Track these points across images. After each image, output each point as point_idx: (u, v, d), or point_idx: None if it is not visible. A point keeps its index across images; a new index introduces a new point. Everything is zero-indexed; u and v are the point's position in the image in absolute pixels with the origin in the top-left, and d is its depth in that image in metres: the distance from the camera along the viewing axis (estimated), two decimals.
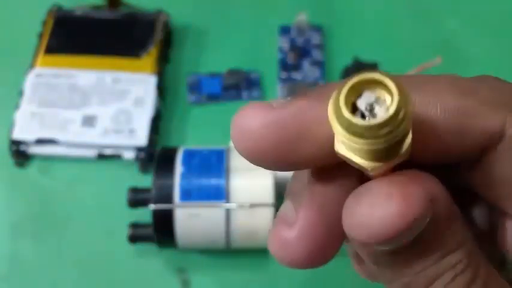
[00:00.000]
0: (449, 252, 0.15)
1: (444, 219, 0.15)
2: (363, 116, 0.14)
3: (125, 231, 0.36)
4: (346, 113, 0.13)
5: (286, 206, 0.17)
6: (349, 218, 0.14)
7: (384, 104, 0.14)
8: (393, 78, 0.13)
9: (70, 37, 0.45)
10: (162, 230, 0.34)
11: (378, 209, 0.14)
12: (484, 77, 0.17)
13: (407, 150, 0.14)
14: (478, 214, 0.19)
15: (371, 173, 0.14)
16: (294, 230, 0.16)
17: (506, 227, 0.17)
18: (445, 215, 0.15)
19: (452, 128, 0.15)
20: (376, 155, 0.14)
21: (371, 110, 0.14)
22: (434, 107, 0.15)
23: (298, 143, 0.15)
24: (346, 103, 0.13)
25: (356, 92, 0.14)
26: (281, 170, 0.16)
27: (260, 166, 0.16)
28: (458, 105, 0.15)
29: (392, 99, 0.13)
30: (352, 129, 0.13)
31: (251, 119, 0.15)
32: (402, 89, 0.13)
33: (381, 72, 0.13)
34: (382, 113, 0.13)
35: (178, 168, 0.34)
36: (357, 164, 0.14)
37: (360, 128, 0.13)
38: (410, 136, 0.14)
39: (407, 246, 0.15)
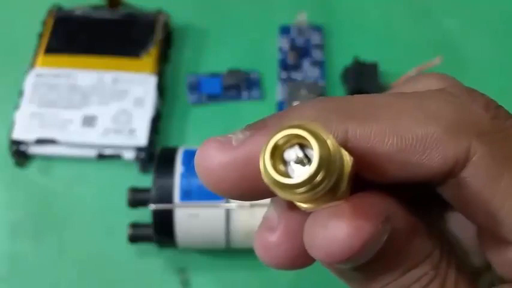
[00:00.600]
0: (414, 266, 0.15)
1: (404, 235, 0.15)
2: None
3: (124, 231, 0.36)
4: (272, 172, 0.13)
5: (270, 211, 0.17)
6: (308, 238, 0.15)
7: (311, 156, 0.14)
8: (317, 135, 0.13)
9: (70, 37, 0.45)
10: (162, 230, 0.34)
11: (331, 231, 0.14)
12: (458, 89, 0.16)
13: (343, 193, 0.14)
14: (455, 219, 0.19)
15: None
16: (275, 235, 0.16)
17: (483, 236, 0.17)
18: (405, 231, 0.15)
19: (411, 158, 0.15)
20: (310, 201, 0.14)
21: (301, 161, 0.14)
22: (392, 137, 0.15)
23: (256, 180, 0.15)
24: (273, 158, 0.14)
25: (286, 140, 0.14)
26: (247, 200, 0.16)
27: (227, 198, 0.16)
28: (418, 134, 0.15)
29: (313, 160, 0.13)
30: (279, 185, 0.13)
31: (210, 158, 0.15)
32: (324, 146, 0.13)
33: (305, 125, 0.13)
34: (303, 171, 0.13)
35: (178, 168, 0.34)
36: (296, 204, 0.15)
37: (285, 185, 0.13)
38: (345, 180, 0.14)
39: (370, 262, 0.15)
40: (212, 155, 0.15)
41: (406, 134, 0.15)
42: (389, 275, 0.15)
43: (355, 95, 0.16)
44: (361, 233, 0.14)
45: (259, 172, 0.14)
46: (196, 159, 0.15)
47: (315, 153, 0.13)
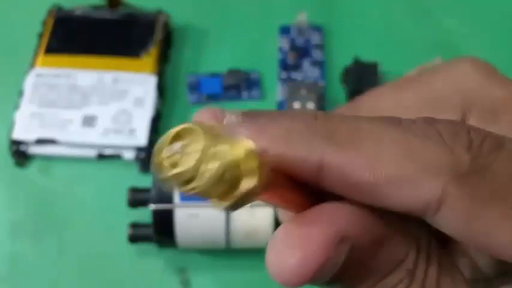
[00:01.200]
0: (386, 275, 0.15)
1: (368, 247, 0.15)
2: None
3: (125, 231, 0.36)
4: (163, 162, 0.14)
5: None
6: (267, 263, 0.15)
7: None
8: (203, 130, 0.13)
9: (70, 37, 0.45)
10: (162, 230, 0.35)
11: (282, 260, 0.14)
12: (444, 126, 0.16)
13: (243, 194, 0.14)
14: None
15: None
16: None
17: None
18: (368, 243, 0.15)
19: (382, 195, 0.15)
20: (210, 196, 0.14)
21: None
22: (366, 171, 0.15)
23: None
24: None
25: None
26: None
27: None
28: (392, 173, 0.15)
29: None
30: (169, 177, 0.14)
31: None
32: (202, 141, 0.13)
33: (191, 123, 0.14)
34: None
35: None
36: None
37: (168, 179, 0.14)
38: (248, 182, 0.14)
39: (338, 277, 0.15)
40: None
41: (380, 171, 0.15)
42: (362, 285, 0.15)
43: (346, 116, 0.16)
44: (311, 262, 0.14)
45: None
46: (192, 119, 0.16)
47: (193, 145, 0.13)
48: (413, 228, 0.16)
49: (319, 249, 0.14)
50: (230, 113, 0.16)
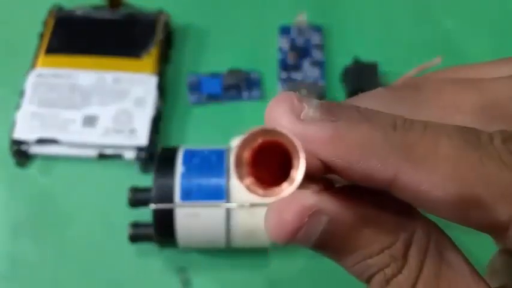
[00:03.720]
0: (369, 256, 0.17)
1: (348, 226, 0.17)
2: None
3: (125, 231, 0.36)
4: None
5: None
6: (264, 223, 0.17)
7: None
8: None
9: (71, 37, 0.46)
10: (162, 230, 0.35)
11: (266, 222, 0.17)
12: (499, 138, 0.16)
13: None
14: None
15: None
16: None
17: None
18: (347, 222, 0.16)
19: (456, 213, 0.16)
20: None
21: None
22: (439, 192, 0.15)
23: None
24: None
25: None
26: None
27: None
28: (469, 197, 0.15)
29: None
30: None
31: (279, 118, 0.16)
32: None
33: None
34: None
35: (179, 168, 0.34)
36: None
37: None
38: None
39: (321, 245, 0.17)
40: (280, 115, 0.16)
41: (455, 194, 0.15)
42: (348, 259, 0.17)
43: (426, 126, 0.16)
44: (287, 226, 0.16)
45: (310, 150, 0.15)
46: (267, 118, 0.16)
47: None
48: (406, 222, 0.17)
49: (294, 216, 0.16)
50: (308, 103, 0.16)
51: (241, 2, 0.50)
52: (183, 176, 0.34)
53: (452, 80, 0.19)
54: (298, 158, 0.14)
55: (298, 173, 0.14)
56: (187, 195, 0.34)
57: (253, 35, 0.48)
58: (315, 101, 0.16)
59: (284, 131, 0.14)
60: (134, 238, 0.36)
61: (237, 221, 0.34)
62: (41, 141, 0.41)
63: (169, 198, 0.34)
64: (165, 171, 0.34)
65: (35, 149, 0.42)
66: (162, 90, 0.44)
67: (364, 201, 0.17)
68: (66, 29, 0.46)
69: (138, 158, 0.41)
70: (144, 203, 0.36)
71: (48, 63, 0.44)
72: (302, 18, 0.47)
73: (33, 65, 0.44)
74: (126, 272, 0.38)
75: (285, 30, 0.48)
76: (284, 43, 0.47)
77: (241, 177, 0.14)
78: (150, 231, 0.35)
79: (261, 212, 0.34)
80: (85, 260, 0.39)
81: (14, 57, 0.47)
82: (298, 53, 0.46)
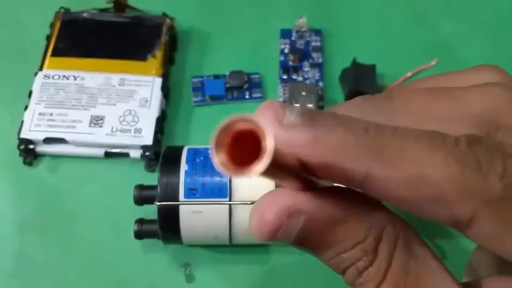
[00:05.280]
0: (343, 251, 0.18)
1: (324, 224, 0.18)
2: None
3: (131, 228, 0.36)
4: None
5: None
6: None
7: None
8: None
9: (77, 40, 0.46)
10: (167, 226, 0.35)
11: (251, 219, 0.18)
12: (480, 149, 0.17)
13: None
14: None
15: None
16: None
17: None
18: (323, 220, 0.18)
19: (418, 207, 0.17)
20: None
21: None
22: (405, 188, 0.17)
23: (287, 163, 0.17)
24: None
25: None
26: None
27: None
28: (430, 192, 0.17)
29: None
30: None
31: (265, 123, 0.17)
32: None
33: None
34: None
35: (183, 166, 0.34)
36: None
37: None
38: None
39: (300, 242, 0.18)
40: (268, 125, 0.16)
41: (419, 191, 0.17)
42: (324, 254, 0.19)
43: (395, 131, 0.17)
44: (266, 225, 0.18)
45: (290, 159, 0.17)
46: (254, 116, 0.17)
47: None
48: (376, 219, 0.18)
49: (274, 216, 0.18)
50: (290, 110, 0.17)
51: (244, 6, 0.51)
52: (187, 174, 0.34)
53: (425, 89, 0.20)
54: (265, 140, 0.14)
55: (267, 153, 0.14)
56: (191, 193, 0.34)
57: (255, 38, 0.49)
58: (297, 109, 0.17)
59: (252, 117, 0.15)
60: (140, 234, 0.36)
61: (239, 218, 0.34)
62: (49, 141, 0.41)
63: (173, 196, 0.34)
64: (170, 170, 0.34)
65: (43, 148, 0.42)
66: (167, 91, 0.45)
67: (338, 201, 0.18)
68: (72, 32, 0.46)
69: (143, 157, 0.41)
70: (150, 200, 0.36)
71: (55, 65, 0.44)
72: (302, 22, 0.48)
73: (41, 67, 0.44)
74: (132, 267, 0.38)
75: (285, 33, 0.49)
76: (285, 46, 0.48)
77: (216, 153, 0.15)
78: (155, 227, 0.35)
79: None
80: (92, 256, 0.39)
81: (23, 59, 0.47)
82: (299, 55, 0.47)
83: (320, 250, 0.19)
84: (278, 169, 0.16)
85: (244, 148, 0.15)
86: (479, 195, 0.17)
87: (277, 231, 0.18)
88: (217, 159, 0.15)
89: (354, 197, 0.19)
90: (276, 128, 0.17)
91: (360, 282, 0.18)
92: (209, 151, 0.15)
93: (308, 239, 0.18)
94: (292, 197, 0.18)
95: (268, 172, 0.14)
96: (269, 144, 0.14)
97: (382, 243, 0.18)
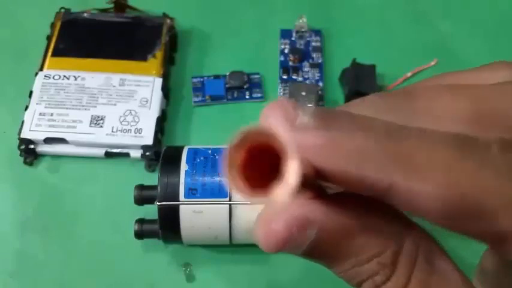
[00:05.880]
0: (359, 264, 0.17)
1: (337, 236, 0.17)
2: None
3: (131, 227, 0.36)
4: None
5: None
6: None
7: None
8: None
9: (77, 40, 0.46)
10: (167, 226, 0.35)
11: (256, 231, 0.17)
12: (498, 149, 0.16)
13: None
14: None
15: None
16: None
17: None
18: (336, 232, 0.17)
19: (453, 223, 0.16)
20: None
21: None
22: (435, 202, 0.15)
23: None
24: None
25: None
26: None
27: None
28: (466, 208, 0.15)
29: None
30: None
31: (274, 125, 0.16)
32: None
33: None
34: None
35: (183, 166, 0.34)
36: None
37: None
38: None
39: (312, 253, 0.17)
40: (274, 122, 0.16)
41: (451, 203, 0.15)
42: (339, 266, 0.17)
43: (421, 136, 0.16)
44: (274, 235, 0.16)
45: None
46: (262, 119, 0.16)
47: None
48: (395, 230, 0.17)
49: (283, 227, 0.16)
50: (302, 110, 0.16)
51: (244, 6, 0.51)
52: (187, 174, 0.34)
53: (447, 87, 0.19)
54: (290, 160, 0.13)
55: (291, 177, 0.13)
56: (191, 193, 0.34)
57: (255, 38, 0.49)
58: (310, 109, 0.16)
59: (274, 132, 0.13)
60: (140, 234, 0.37)
61: (239, 218, 0.34)
62: (49, 141, 0.41)
63: (174, 196, 0.34)
64: (170, 170, 0.35)
65: (43, 148, 0.42)
66: (167, 91, 0.45)
67: (353, 209, 0.17)
68: (73, 32, 0.46)
69: (143, 157, 0.41)
70: (150, 200, 0.36)
71: (55, 65, 0.44)
72: (302, 22, 0.48)
73: (41, 67, 0.44)
74: (132, 267, 0.38)
75: (285, 34, 0.49)
76: (285, 46, 0.48)
77: (233, 180, 0.14)
78: (156, 227, 0.35)
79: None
80: (92, 256, 0.39)
81: (23, 59, 0.47)
82: (299, 55, 0.47)
83: (333, 262, 0.17)
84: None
85: (257, 160, 0.14)
86: None
87: (286, 243, 0.16)
88: (234, 184, 0.13)
89: (371, 204, 0.17)
90: (288, 130, 0.15)
91: None
92: (221, 171, 0.14)
93: (320, 251, 0.17)
94: (303, 206, 0.16)
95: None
96: (294, 167, 0.13)
97: (402, 256, 0.17)
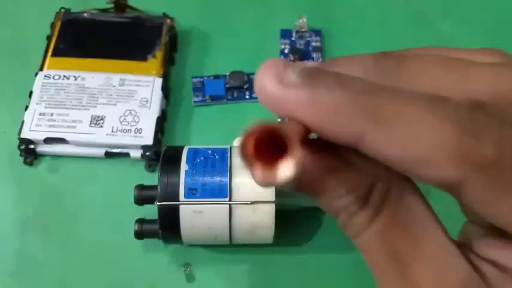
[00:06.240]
0: (340, 196, 0.19)
1: (320, 170, 0.19)
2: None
3: (131, 228, 0.36)
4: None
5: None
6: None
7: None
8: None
9: (77, 40, 0.46)
10: (167, 226, 0.35)
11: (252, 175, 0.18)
12: (474, 116, 0.17)
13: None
14: None
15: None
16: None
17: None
18: (320, 167, 0.19)
19: (408, 167, 0.17)
20: None
21: None
22: (398, 149, 0.17)
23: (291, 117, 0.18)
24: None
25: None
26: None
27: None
28: (425, 156, 0.17)
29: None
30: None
31: (265, 86, 0.18)
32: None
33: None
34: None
35: (183, 166, 0.34)
36: None
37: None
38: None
39: (301, 187, 0.19)
40: (265, 80, 0.18)
41: (412, 152, 0.17)
42: (322, 198, 0.20)
43: (394, 93, 0.17)
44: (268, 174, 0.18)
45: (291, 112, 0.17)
46: (255, 81, 0.18)
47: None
48: (371, 169, 0.19)
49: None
50: (291, 69, 0.18)
51: (244, 6, 0.51)
52: (187, 174, 0.34)
53: (442, 59, 0.19)
54: (292, 150, 0.15)
55: (289, 164, 0.15)
56: (191, 193, 0.34)
57: (255, 38, 0.49)
58: (299, 67, 0.18)
59: (279, 127, 0.15)
60: (140, 234, 0.37)
61: (239, 218, 0.34)
62: (49, 141, 0.41)
63: (174, 196, 0.34)
64: (170, 170, 0.34)
65: (43, 148, 0.42)
66: (167, 91, 0.45)
67: (334, 150, 0.19)
68: (73, 32, 0.46)
69: (143, 157, 0.42)
70: (150, 200, 0.36)
71: (55, 65, 0.44)
72: (302, 22, 0.48)
73: (41, 67, 0.44)
74: (132, 267, 0.38)
75: (285, 34, 0.49)
76: (285, 46, 0.48)
77: (250, 166, 0.16)
78: (156, 227, 0.35)
79: (263, 209, 0.34)
80: (92, 256, 0.39)
81: (23, 59, 0.47)
82: (299, 55, 0.47)
83: (317, 196, 0.20)
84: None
85: (267, 146, 0.16)
86: (471, 160, 0.16)
87: (280, 178, 0.18)
88: (254, 172, 0.16)
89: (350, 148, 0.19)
90: (276, 87, 0.17)
91: (349, 225, 0.19)
92: (244, 164, 0.15)
93: (305, 185, 0.19)
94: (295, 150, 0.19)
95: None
96: (293, 157, 0.15)
97: (375, 191, 0.19)
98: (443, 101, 0.17)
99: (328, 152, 0.19)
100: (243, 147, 0.16)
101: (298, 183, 0.19)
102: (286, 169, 0.15)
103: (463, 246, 0.20)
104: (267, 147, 0.16)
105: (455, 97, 0.18)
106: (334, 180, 0.19)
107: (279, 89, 0.17)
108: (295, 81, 0.17)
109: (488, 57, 0.20)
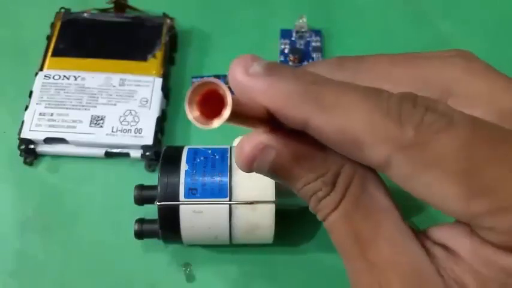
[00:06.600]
0: (309, 182, 0.22)
1: (291, 158, 0.21)
2: None
3: (131, 228, 0.37)
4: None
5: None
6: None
7: None
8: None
9: (77, 40, 0.46)
10: (167, 226, 0.35)
11: (235, 154, 0.22)
12: (399, 100, 0.20)
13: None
14: None
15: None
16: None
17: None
18: (287, 158, 0.21)
19: (344, 150, 0.21)
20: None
21: None
22: (335, 133, 0.20)
23: (250, 106, 0.21)
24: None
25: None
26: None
27: None
28: (356, 139, 0.20)
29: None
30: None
31: (236, 75, 0.21)
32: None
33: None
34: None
35: (183, 166, 0.35)
36: None
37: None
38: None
39: (274, 173, 0.22)
40: (235, 71, 0.21)
41: (346, 134, 0.20)
42: (295, 183, 0.22)
43: (339, 84, 0.20)
44: (244, 156, 0.22)
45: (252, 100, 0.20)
46: (229, 71, 0.21)
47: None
48: (337, 157, 0.21)
49: (250, 149, 0.21)
50: (257, 62, 0.20)
51: (244, 6, 0.51)
52: (187, 174, 0.34)
53: (391, 55, 0.23)
54: (226, 98, 0.17)
55: (226, 110, 0.17)
56: (191, 193, 0.34)
57: (255, 38, 0.49)
58: (263, 62, 0.21)
59: (216, 81, 0.18)
60: (140, 234, 0.37)
61: (239, 218, 0.34)
62: (49, 141, 0.42)
63: (174, 196, 0.34)
64: (170, 170, 0.35)
65: (43, 148, 0.42)
66: (167, 91, 0.45)
67: (304, 140, 0.21)
68: (73, 32, 0.46)
69: (143, 157, 0.42)
70: (150, 200, 0.36)
71: (55, 65, 0.44)
72: (302, 22, 0.48)
73: (41, 67, 0.44)
74: (132, 267, 0.38)
75: (285, 34, 0.49)
76: (285, 46, 0.48)
77: (191, 111, 0.18)
78: (156, 227, 0.35)
79: (263, 209, 0.34)
80: (92, 256, 0.39)
81: (23, 59, 0.47)
82: (299, 55, 0.47)
83: (291, 182, 0.22)
84: (243, 117, 0.19)
85: (214, 107, 0.18)
86: (394, 141, 0.19)
87: (253, 161, 0.21)
88: (191, 115, 0.18)
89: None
90: (243, 77, 0.20)
91: (318, 208, 0.22)
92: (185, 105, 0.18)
93: (280, 171, 0.22)
94: (265, 136, 0.21)
95: (233, 120, 0.18)
96: (228, 97, 0.17)
97: (340, 177, 0.21)
98: (378, 92, 0.20)
99: (300, 141, 0.21)
100: (189, 97, 0.18)
101: (273, 169, 0.22)
102: (218, 121, 0.18)
103: (421, 233, 0.22)
104: (211, 101, 0.18)
105: (405, 84, 0.22)
106: (304, 167, 0.22)
107: (244, 78, 0.20)
108: (258, 72, 0.20)
109: (451, 53, 0.23)
